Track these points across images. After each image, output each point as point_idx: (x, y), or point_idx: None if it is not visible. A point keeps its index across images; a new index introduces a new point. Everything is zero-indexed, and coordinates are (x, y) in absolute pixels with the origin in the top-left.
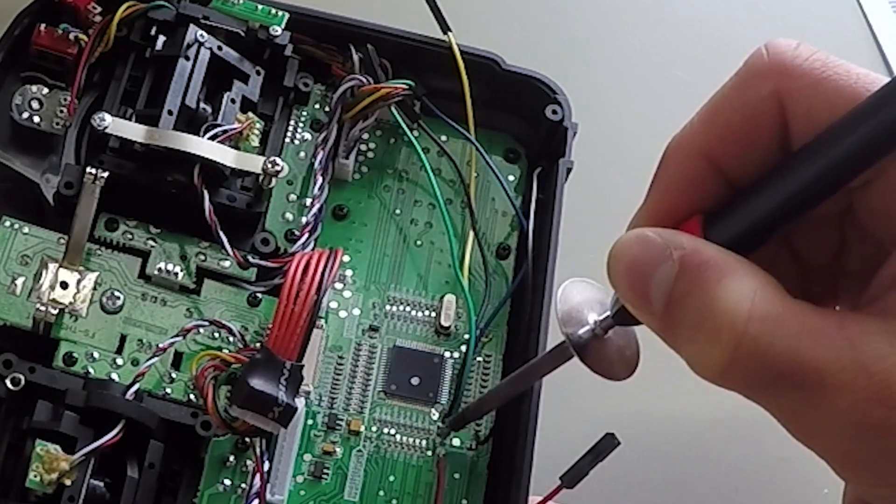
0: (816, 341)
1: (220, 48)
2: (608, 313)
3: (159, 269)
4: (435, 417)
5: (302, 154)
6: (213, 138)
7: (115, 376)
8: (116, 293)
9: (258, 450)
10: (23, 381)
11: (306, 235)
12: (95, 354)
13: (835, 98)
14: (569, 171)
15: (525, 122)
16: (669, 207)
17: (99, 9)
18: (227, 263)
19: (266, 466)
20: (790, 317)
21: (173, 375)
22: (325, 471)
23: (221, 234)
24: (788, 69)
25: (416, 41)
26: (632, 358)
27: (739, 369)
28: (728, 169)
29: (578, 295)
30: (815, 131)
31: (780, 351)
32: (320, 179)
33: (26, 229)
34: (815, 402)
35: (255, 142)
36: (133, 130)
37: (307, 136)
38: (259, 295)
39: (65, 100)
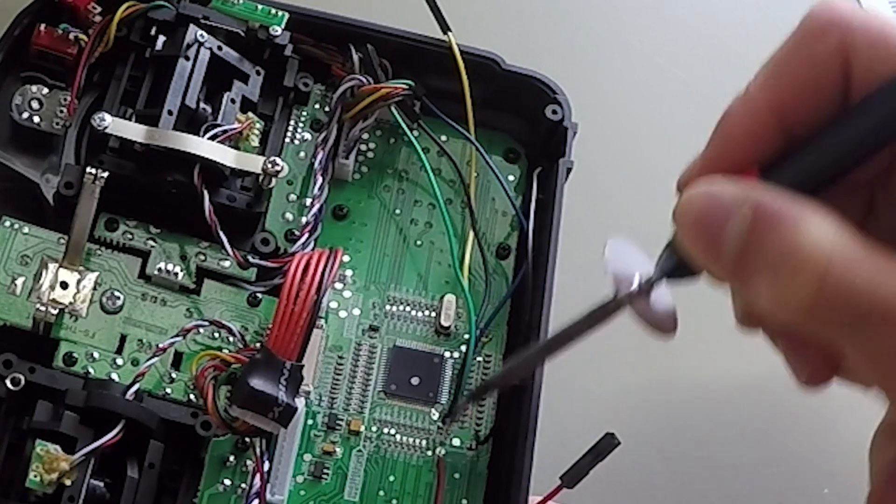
0: (894, 282)
1: (220, 48)
2: (652, 270)
3: (159, 269)
4: (435, 417)
5: (302, 154)
6: (213, 138)
7: (115, 376)
8: (116, 293)
9: (258, 450)
10: (23, 381)
11: (306, 235)
12: (95, 354)
13: (894, 53)
14: (569, 171)
15: (525, 122)
16: (729, 158)
17: (99, 9)
18: (227, 263)
19: (266, 466)
20: (868, 257)
21: (173, 375)
22: (325, 471)
23: (221, 234)
24: (851, 24)
25: (416, 41)
26: (673, 314)
27: (823, 308)
28: (790, 122)
29: (624, 253)
30: (874, 85)
31: (860, 290)
32: (320, 179)
33: (26, 229)
34: (892, 343)
35: (255, 142)
36: (133, 130)
37: (307, 136)
38: (259, 295)
39: (65, 100)
